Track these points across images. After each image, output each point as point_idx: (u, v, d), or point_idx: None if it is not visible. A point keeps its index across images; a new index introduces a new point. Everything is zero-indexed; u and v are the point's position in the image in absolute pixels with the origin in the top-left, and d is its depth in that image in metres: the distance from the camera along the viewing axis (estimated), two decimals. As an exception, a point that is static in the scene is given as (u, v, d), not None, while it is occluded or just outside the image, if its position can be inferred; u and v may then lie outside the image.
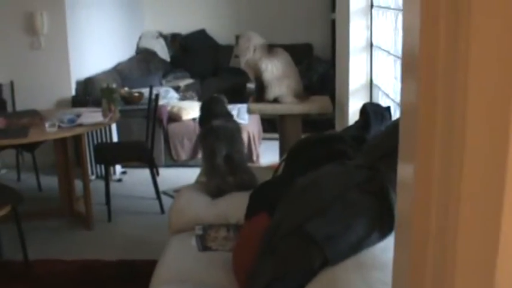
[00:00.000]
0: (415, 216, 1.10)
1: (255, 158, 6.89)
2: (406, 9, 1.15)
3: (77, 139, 5.59)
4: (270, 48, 5.16)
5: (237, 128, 4.17)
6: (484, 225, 0.96)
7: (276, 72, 5.08)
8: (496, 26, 0.89)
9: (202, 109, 4.35)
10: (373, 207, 2.34)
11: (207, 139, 4.06)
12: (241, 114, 7.06)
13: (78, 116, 5.37)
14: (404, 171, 1.18)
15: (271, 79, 5.10)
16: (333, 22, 8.70)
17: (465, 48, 0.92)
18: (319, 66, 8.56)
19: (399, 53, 3.92)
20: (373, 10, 4.90)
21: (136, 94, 7.11)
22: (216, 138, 4.00)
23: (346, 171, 2.60)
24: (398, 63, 3.93)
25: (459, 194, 0.97)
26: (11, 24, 6.93)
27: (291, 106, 5.17)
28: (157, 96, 5.85)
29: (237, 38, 5.28)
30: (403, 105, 1.21)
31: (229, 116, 4.27)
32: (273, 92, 5.14)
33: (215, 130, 4.04)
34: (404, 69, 1.20)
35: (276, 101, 5.17)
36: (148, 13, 9.93)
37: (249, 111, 5.29)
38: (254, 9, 9.74)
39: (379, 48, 4.67)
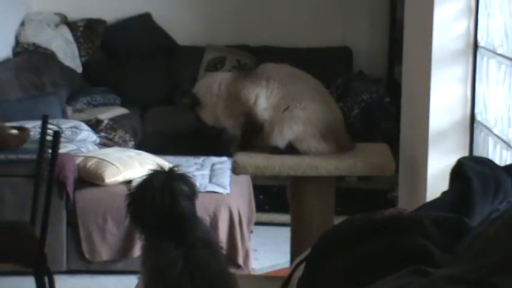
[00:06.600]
0: None
1: (240, 259, 4.55)
2: None
3: None
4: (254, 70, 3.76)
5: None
6: None
7: (275, 98, 3.55)
8: None
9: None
10: None
11: None
12: (217, 176, 4.88)
13: None
14: None
15: (272, 112, 3.57)
16: (392, 8, 6.29)
17: None
18: (365, 88, 6.10)
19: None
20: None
21: (13, 132, 4.95)
22: None
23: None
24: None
25: None
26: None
27: (317, 160, 3.48)
28: (56, 136, 3.90)
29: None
30: None
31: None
32: (281, 132, 3.47)
33: None
34: None
35: (290, 149, 3.48)
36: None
37: (235, 170, 3.57)
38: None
39: (493, 53, 3.33)
